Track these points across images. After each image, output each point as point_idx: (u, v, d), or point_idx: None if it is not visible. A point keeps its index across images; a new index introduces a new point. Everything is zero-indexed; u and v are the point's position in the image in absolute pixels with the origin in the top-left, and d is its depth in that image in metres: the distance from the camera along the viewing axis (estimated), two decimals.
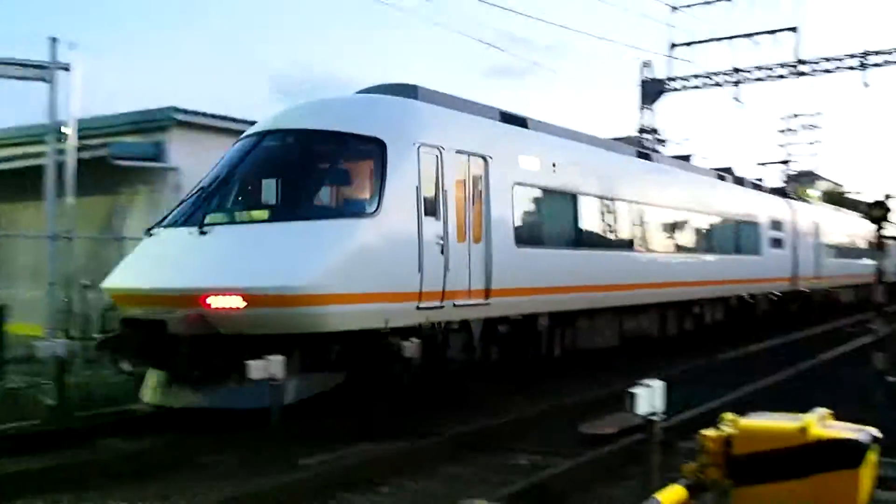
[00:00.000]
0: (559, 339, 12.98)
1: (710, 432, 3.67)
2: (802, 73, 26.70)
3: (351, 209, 9.43)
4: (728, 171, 24.70)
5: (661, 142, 30.84)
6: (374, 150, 9.34)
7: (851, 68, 25.89)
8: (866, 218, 10.42)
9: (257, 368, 7.72)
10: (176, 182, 19.18)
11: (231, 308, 8.17)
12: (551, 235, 12.75)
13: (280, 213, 9.20)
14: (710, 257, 18.25)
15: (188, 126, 19.93)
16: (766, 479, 3.41)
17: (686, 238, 17.58)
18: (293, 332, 8.38)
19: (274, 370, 7.73)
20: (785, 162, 71.86)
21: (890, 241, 12.05)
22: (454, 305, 10.04)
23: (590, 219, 13.90)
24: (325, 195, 9.88)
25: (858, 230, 30.75)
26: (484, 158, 10.59)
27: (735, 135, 74.96)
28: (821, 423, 3.56)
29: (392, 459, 8.69)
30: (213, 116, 20.85)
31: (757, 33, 26.82)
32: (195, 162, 19.49)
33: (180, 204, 9.96)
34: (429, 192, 9.68)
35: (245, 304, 8.14)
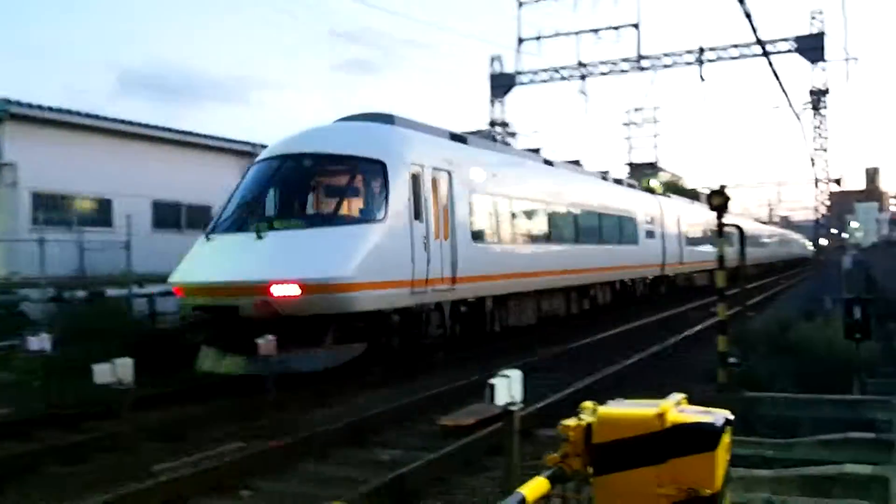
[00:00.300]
0: (499, 317, 15.92)
1: (569, 422, 3.67)
2: (644, 68, 27.91)
3: (367, 217, 11.99)
4: (577, 163, 27.69)
5: (512, 134, 31.44)
6: (379, 170, 12.03)
7: (689, 64, 27.28)
8: (710, 207, 10.82)
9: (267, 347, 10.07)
10: (13, 179, 17.92)
11: (290, 295, 10.64)
12: (493, 233, 15.73)
13: (315, 221, 11.93)
14: (601, 248, 21.44)
15: (24, 119, 18.72)
16: (626, 466, 3.44)
17: (585, 232, 20.55)
18: (333, 312, 11.02)
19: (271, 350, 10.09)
20: (635, 165, 75.20)
21: (730, 229, 12.64)
22: (433, 290, 12.87)
23: (520, 218, 17.03)
24: (345, 206, 12.41)
25: (710, 220, 32.29)
26: (448, 173, 13.44)
27: (584, 127, 78.07)
28: (677, 409, 3.63)
29: (253, 461, 8.48)
30: (52, 110, 19.64)
31: (601, 29, 27.78)
32: (33, 157, 18.33)
33: (222, 214, 12.51)
34: (416, 201, 12.51)
35: (300, 291, 10.65)
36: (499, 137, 30.22)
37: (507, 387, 6.34)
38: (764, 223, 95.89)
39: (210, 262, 11.36)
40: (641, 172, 76.82)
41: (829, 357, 13.23)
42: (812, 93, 26.43)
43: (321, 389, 12.94)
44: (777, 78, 15.98)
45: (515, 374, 6.48)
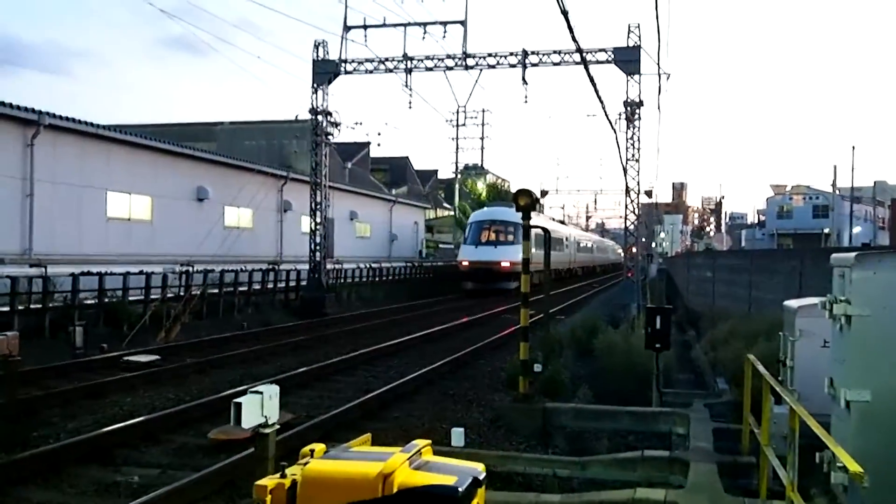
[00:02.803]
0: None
1: (268, 481, 2.68)
2: (469, 66, 27.46)
3: (516, 241, 33.57)
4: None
5: (335, 125, 30.23)
6: (518, 225, 20.43)
7: (512, 66, 27.09)
8: (516, 208, 10.22)
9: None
10: None
11: (506, 266, 36.22)
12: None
13: (510, 242, 37.25)
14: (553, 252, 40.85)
15: None
16: None
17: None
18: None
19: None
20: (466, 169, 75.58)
21: (538, 231, 12.25)
22: None
23: (560, 244, 50.44)
24: (511, 238, 37.84)
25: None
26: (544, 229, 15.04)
27: (411, 123, 78.12)
28: (412, 464, 2.71)
29: None
30: None
31: (429, 23, 27.12)
32: None
33: (467, 239, 40.07)
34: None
35: (509, 265, 35.33)
36: (321, 127, 29.00)
37: (259, 405, 5.22)
38: (582, 230, 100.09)
39: (474, 253, 35.52)
40: (468, 173, 77.61)
41: (631, 365, 13.11)
42: (626, 104, 26.86)
43: (75, 392, 11.39)
44: (594, 86, 16.19)
45: (271, 390, 5.38)
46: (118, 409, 10.95)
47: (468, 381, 14.41)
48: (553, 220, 64.64)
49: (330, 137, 30.31)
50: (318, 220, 29.16)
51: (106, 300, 19.88)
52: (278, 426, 5.54)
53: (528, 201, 9.92)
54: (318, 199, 29.17)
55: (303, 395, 12.82)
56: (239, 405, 5.13)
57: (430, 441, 2.86)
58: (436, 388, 13.70)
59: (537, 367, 11.82)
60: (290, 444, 7.74)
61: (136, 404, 11.41)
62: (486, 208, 44.37)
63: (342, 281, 33.75)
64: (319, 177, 29.17)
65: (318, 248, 29.09)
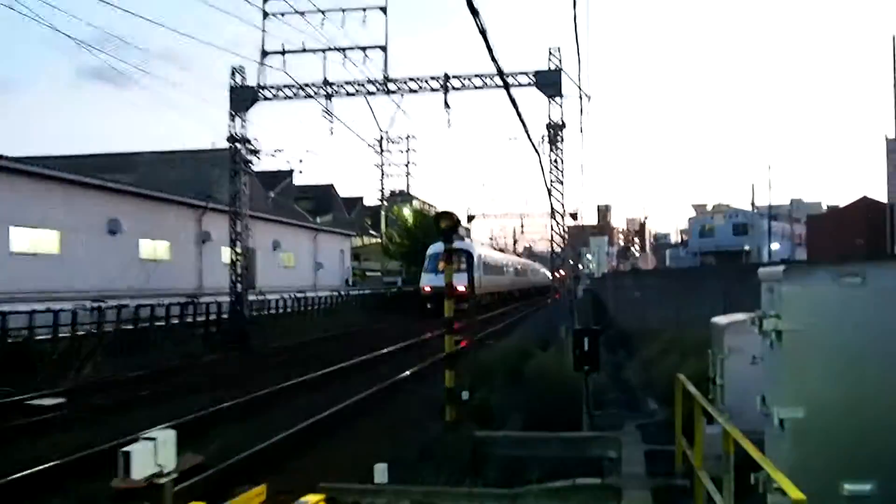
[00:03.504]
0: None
1: None
2: (391, 91, 27.23)
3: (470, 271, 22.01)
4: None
5: (255, 152, 29.63)
6: (470, 254, 23.52)
7: (434, 90, 26.96)
8: (437, 231, 9.98)
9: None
10: None
11: (462, 290, 16.58)
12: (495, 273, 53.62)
13: (463, 269, 22.23)
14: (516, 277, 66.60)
15: None
16: None
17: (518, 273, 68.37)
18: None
19: None
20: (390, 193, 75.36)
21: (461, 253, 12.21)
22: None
23: (498, 268, 59.63)
24: (463, 266, 22.92)
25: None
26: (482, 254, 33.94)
27: (334, 149, 77.41)
28: None
29: None
30: None
31: (348, 49, 26.83)
32: None
33: (427, 268, 42.27)
34: (481, 264, 40.43)
35: (463, 289, 17.06)
36: (240, 155, 28.35)
37: (152, 453, 4.77)
38: (502, 250, 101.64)
39: (430, 280, 34.25)
40: (394, 200, 77.46)
41: (561, 388, 12.92)
42: (549, 126, 26.97)
43: None
44: (516, 109, 16.17)
45: (165, 436, 4.93)
46: (20, 457, 10.21)
47: (399, 410, 14.14)
48: (494, 248, 79.05)
49: (250, 165, 29.72)
50: (239, 250, 28.44)
51: (10, 340, 18.86)
52: (176, 475, 5.09)
53: (449, 224, 9.70)
54: (239, 229, 28.47)
55: (222, 433, 12.28)
56: (128, 454, 4.68)
57: (323, 496, 2.49)
58: (365, 419, 13.41)
59: (465, 395, 11.57)
60: (197, 491, 7.24)
61: (38, 451, 10.66)
62: (441, 242, 54.34)
63: (266, 312, 33.03)
64: (239, 206, 28.48)
65: (239, 279, 28.34)
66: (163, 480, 4.87)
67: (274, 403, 15.21)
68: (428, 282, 45.26)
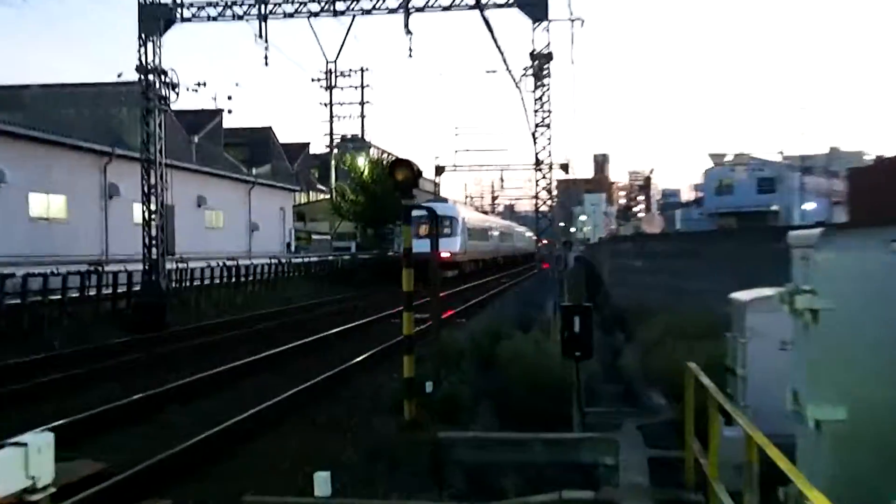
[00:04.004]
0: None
1: None
2: (339, 12, 26.79)
3: (453, 234, 53.09)
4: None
5: (172, 87, 29.04)
6: (454, 219, 53.74)
7: (392, 10, 26.54)
8: (393, 184, 9.80)
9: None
10: None
11: (446, 257, 47.37)
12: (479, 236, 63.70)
13: (447, 235, 50.60)
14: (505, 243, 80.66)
15: None
16: None
17: (504, 238, 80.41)
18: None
19: None
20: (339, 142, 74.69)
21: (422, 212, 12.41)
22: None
23: (483, 231, 68.66)
24: (447, 231, 50.91)
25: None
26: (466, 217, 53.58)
27: (275, 86, 76.37)
28: None
29: None
30: None
31: None
32: None
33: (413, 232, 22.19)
34: (465, 229, 56.84)
35: (449, 256, 49.22)
36: (153, 89, 27.79)
37: (21, 463, 4.55)
38: (485, 213, 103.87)
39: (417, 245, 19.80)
40: (346, 147, 76.84)
41: (546, 379, 12.86)
42: (533, 56, 26.73)
43: None
44: (492, 35, 15.83)
45: (39, 441, 4.70)
46: None
47: (346, 403, 14.11)
48: (477, 209, 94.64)
49: (167, 103, 29.16)
50: (154, 207, 28.00)
51: None
52: (54, 489, 4.87)
53: (407, 175, 9.49)
54: (153, 181, 27.99)
55: (129, 434, 12.20)
56: None
57: None
58: (305, 414, 13.39)
59: (429, 387, 11.47)
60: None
61: None
62: (423, 204, 64.14)
63: (188, 284, 32.70)
64: (153, 153, 27.97)
65: (153, 242, 27.93)
66: (37, 497, 4.66)
67: (195, 396, 15.07)
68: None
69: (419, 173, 10.12)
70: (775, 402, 6.21)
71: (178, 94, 29.60)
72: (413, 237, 40.60)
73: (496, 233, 76.45)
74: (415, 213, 43.88)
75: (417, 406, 10.34)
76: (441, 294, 32.42)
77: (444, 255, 49.51)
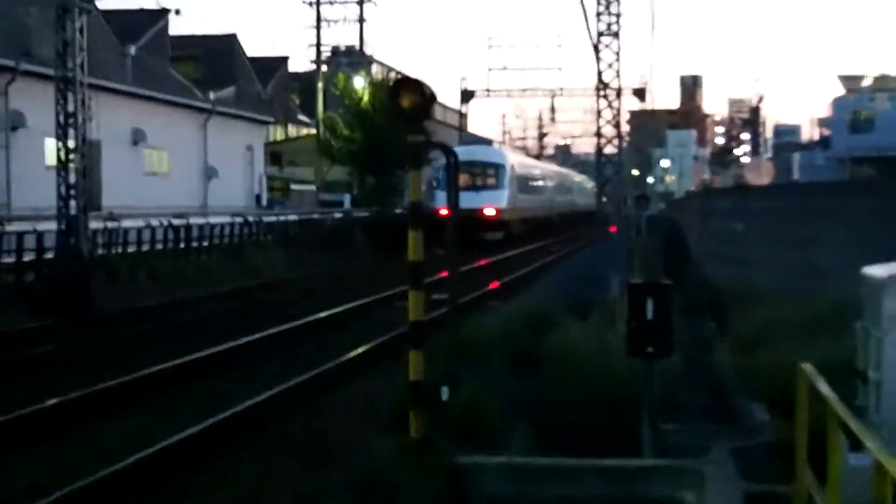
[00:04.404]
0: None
1: None
2: None
3: (500, 186, 61.56)
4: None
5: None
6: (501, 166, 63.27)
7: None
8: (396, 113, 9.84)
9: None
10: None
11: (491, 214, 58.17)
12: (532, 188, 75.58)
13: (492, 186, 61.22)
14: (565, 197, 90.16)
15: None
16: None
17: (561, 191, 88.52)
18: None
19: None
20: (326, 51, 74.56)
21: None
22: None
23: (538, 182, 79.84)
24: (492, 181, 61.78)
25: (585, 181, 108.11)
26: (515, 164, 67.52)
27: None
28: None
29: None
30: None
31: None
32: None
33: (440, 183, 51.11)
34: (514, 179, 65.11)
35: (494, 213, 58.84)
36: None
37: None
38: (536, 157, 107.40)
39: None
40: (339, 64, 76.85)
41: (605, 384, 12.97)
42: None
43: None
44: None
45: None
46: None
47: (331, 416, 14.36)
48: (523, 152, 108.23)
49: (92, 1, 29.35)
50: (73, 144, 28.16)
51: None
52: None
53: (415, 101, 9.49)
54: (72, 108, 28.14)
55: (40, 453, 12.50)
56: None
57: None
58: (274, 430, 13.56)
59: (444, 393, 11.54)
60: None
61: None
62: (460, 147, 66.61)
63: (120, 249, 33.00)
64: (72, 68, 28.09)
65: (72, 193, 28.11)
66: None
67: (125, 405, 15.26)
68: (444, 202, 54.05)
69: (432, 98, 10.12)
70: None
71: None
72: (448, 189, 38.57)
73: (551, 184, 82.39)
74: (459, 156, 43.01)
75: (428, 420, 10.42)
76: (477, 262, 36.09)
77: (489, 211, 57.22)
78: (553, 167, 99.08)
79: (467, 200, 61.61)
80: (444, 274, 15.83)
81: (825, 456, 6.38)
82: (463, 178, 58.06)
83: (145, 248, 34.64)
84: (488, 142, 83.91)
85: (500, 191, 59.96)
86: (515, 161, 68.83)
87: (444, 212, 53.35)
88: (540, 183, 77.48)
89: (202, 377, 17.47)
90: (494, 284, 32.76)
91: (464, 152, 66.14)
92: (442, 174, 54.45)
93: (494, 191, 59.58)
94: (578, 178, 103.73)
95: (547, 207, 78.58)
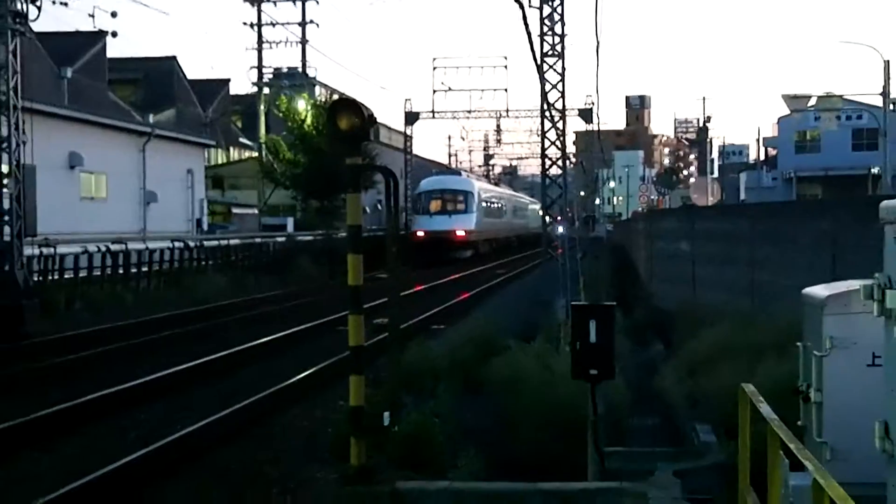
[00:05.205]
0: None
1: None
2: None
3: (468, 210, 72.72)
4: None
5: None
6: (469, 193, 74.36)
7: None
8: (334, 135, 9.87)
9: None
10: None
11: (461, 235, 70.35)
12: (492, 211, 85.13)
13: (461, 211, 72.41)
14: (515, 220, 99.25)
15: None
16: None
17: (516, 213, 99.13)
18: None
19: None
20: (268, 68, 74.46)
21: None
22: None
23: (496, 205, 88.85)
24: (461, 206, 73.13)
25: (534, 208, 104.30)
26: (480, 191, 79.57)
27: (184, 7, 75.98)
28: None
29: None
30: None
31: None
32: None
33: (419, 207, 73.38)
34: (480, 204, 76.98)
35: (464, 234, 71.07)
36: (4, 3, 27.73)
37: None
38: (496, 183, 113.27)
39: (429, 224, 67.03)
40: (281, 86, 76.63)
41: (552, 407, 13.05)
42: None
43: None
44: None
45: None
46: None
47: (269, 445, 14.29)
48: (485, 179, 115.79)
49: (23, 22, 29.14)
50: (6, 168, 27.94)
51: None
52: None
53: (353, 122, 9.49)
54: (5, 132, 27.93)
55: None
56: None
57: None
58: (208, 461, 13.47)
59: (386, 418, 11.53)
60: None
61: None
62: (433, 177, 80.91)
63: (56, 276, 32.72)
64: (6, 91, 27.90)
65: (5, 219, 27.89)
66: None
67: (58, 433, 15.07)
68: (422, 226, 70.06)
69: (371, 120, 10.12)
70: (861, 438, 6.26)
71: (39, 7, 29.61)
72: (425, 214, 55.75)
73: (509, 207, 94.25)
74: (425, 186, 59.88)
75: (368, 448, 10.39)
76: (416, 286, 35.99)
77: (459, 233, 68.98)
78: (509, 192, 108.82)
79: (440, 223, 70.36)
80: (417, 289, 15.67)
81: (767, 476, 6.45)
82: (436, 204, 72.64)
83: (82, 274, 34.31)
84: (457, 172, 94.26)
85: (468, 214, 70.39)
86: (481, 188, 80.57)
87: (420, 233, 69.01)
88: (500, 207, 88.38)
89: (136, 405, 17.23)
90: (464, 295, 36.88)
91: (436, 181, 76.95)
92: (422, 202, 71.37)
93: (464, 214, 70.16)
94: (531, 203, 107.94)
95: (507, 229, 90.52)
